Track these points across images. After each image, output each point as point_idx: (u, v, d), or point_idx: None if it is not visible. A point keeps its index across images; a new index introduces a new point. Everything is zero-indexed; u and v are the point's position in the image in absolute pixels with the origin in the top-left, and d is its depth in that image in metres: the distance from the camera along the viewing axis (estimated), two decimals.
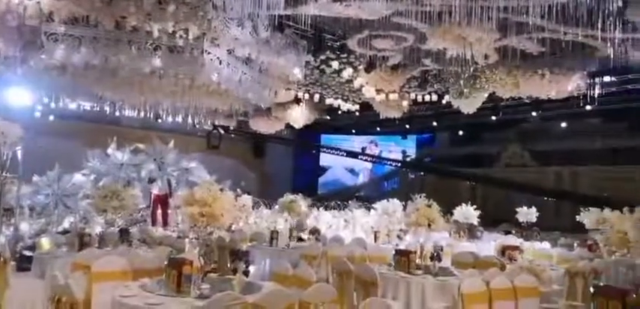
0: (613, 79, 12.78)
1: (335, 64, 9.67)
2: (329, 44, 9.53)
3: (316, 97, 11.43)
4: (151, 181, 11.34)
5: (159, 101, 10.37)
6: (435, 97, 11.99)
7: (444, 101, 12.28)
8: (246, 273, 4.45)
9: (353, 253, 6.89)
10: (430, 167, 20.92)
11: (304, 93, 11.26)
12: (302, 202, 8.80)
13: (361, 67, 10.09)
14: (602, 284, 4.63)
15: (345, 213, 11.88)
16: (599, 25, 7.45)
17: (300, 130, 15.12)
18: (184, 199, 4.66)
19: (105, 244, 6.46)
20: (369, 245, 8.20)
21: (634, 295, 3.38)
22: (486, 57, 9.23)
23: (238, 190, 8.05)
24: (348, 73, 10.01)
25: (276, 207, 9.08)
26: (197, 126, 13.64)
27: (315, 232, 8.11)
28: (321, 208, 12.07)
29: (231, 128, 16.61)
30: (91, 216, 9.10)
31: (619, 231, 3.75)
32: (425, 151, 22.85)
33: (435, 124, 19.29)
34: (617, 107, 14.65)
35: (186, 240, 6.17)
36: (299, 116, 12.92)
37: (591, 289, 3.52)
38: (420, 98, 11.99)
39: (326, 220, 10.85)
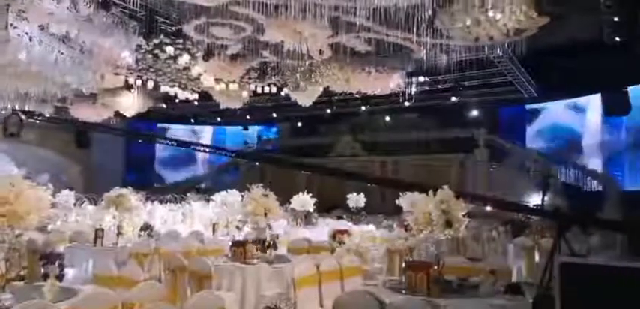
0: (426, 79, 14.66)
1: (170, 50, 9.18)
2: (163, 28, 8.99)
3: (150, 83, 10.71)
4: None
5: None
6: (274, 89, 12.25)
7: (283, 93, 12.62)
8: (60, 277, 3.96)
9: (189, 247, 6.66)
10: (269, 157, 21.34)
11: (136, 79, 10.46)
12: (132, 197, 8.15)
13: (199, 54, 9.77)
14: (412, 259, 5.25)
15: (182, 206, 11.39)
16: (415, 30, 8.43)
17: (132, 118, 14.02)
18: None
19: None
20: (206, 238, 8.01)
21: (435, 267, 3.92)
22: (321, 52, 9.73)
23: (50, 184, 7.09)
24: (184, 59, 9.60)
25: (103, 202, 8.25)
26: (3, 112, 11.68)
27: (147, 228, 7.60)
28: (155, 202, 11.37)
29: (48, 116, 14.58)
30: None
31: (425, 212, 4.32)
32: (266, 142, 23.25)
33: (275, 115, 19.74)
34: (430, 104, 16.86)
35: None
36: (130, 104, 11.97)
37: (403, 264, 3.96)
38: (259, 89, 12.13)
39: (161, 215, 10.26)
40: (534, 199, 13.30)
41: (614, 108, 15.64)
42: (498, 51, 10.22)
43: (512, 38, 8.25)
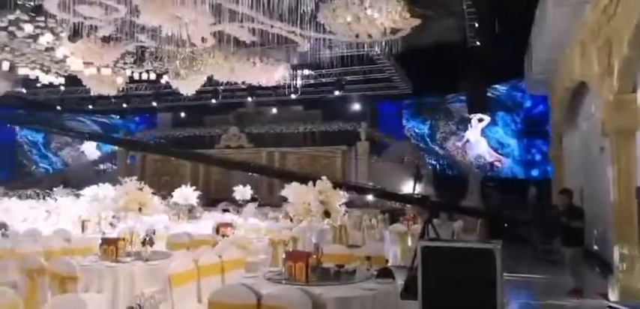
0: (311, 72, 14.98)
1: (28, 28, 8.16)
2: (19, 2, 7.96)
3: (5, 64, 9.46)
4: None
5: None
6: (153, 76, 11.58)
7: (163, 81, 11.99)
8: None
9: (52, 247, 6.02)
10: (149, 146, 20.17)
11: None
12: None
13: (64, 34, 8.83)
14: (292, 249, 5.32)
15: (46, 202, 10.27)
16: (298, 23, 8.52)
17: None
18: None
19: None
20: (74, 237, 7.31)
21: (314, 256, 4.00)
22: (203, 40, 9.38)
23: None
24: (46, 39, 8.61)
25: None
26: None
27: (1, 226, 6.72)
28: (14, 198, 10.13)
29: None
30: None
31: (304, 202, 4.42)
32: (146, 132, 21.91)
33: (155, 104, 18.71)
34: (314, 97, 17.28)
35: None
36: None
37: (283, 255, 3.98)
38: (137, 76, 11.38)
39: (20, 212, 9.15)
40: (409, 189, 14.32)
41: (476, 106, 17.41)
42: (377, 49, 10.77)
43: (389, 37, 8.72)
